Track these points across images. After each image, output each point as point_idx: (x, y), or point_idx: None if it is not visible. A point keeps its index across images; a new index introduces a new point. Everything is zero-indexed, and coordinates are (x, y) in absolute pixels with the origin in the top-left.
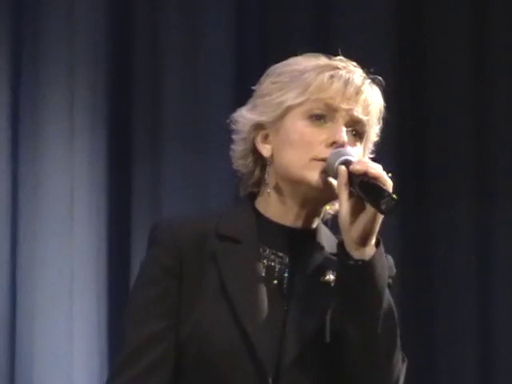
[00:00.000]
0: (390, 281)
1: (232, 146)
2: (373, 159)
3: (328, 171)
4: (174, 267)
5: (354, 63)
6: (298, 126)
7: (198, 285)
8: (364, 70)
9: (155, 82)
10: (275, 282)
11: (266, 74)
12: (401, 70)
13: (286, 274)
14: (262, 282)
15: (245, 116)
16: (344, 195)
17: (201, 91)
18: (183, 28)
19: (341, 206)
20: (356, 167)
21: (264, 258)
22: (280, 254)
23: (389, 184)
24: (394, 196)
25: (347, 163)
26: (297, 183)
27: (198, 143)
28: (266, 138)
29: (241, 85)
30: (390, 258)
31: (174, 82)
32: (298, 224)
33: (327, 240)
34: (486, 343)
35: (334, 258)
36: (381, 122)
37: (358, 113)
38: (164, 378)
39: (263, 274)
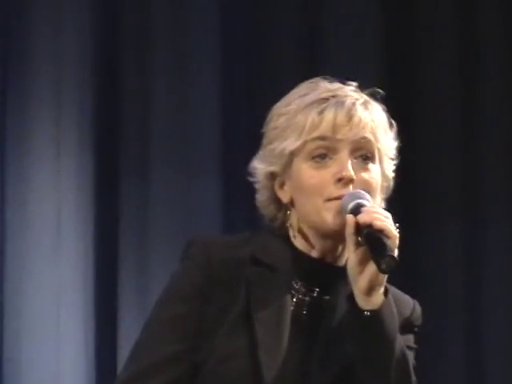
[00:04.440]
0: (416, 329)
1: (256, 196)
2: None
3: (343, 212)
4: (204, 287)
5: (349, 83)
6: (303, 169)
7: (224, 308)
8: (358, 88)
9: (143, 103)
10: (303, 318)
11: (268, 117)
12: (387, 92)
13: (314, 312)
14: (289, 316)
15: (257, 167)
16: (351, 245)
17: (191, 113)
18: (171, 48)
19: (349, 256)
20: (362, 218)
21: (295, 291)
22: (311, 288)
23: (394, 236)
24: (395, 256)
25: (357, 210)
26: (317, 227)
27: (187, 166)
28: (282, 185)
29: (229, 108)
30: (417, 306)
31: (163, 103)
32: (328, 260)
33: None
34: (474, 363)
35: None
36: (392, 133)
37: (359, 135)
38: None
39: (292, 308)
